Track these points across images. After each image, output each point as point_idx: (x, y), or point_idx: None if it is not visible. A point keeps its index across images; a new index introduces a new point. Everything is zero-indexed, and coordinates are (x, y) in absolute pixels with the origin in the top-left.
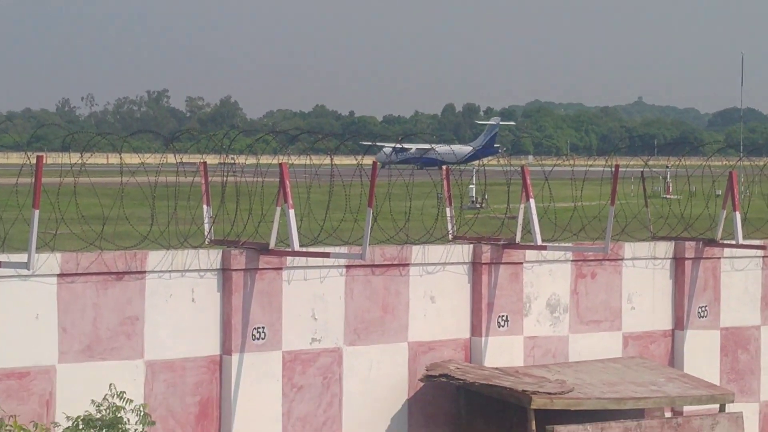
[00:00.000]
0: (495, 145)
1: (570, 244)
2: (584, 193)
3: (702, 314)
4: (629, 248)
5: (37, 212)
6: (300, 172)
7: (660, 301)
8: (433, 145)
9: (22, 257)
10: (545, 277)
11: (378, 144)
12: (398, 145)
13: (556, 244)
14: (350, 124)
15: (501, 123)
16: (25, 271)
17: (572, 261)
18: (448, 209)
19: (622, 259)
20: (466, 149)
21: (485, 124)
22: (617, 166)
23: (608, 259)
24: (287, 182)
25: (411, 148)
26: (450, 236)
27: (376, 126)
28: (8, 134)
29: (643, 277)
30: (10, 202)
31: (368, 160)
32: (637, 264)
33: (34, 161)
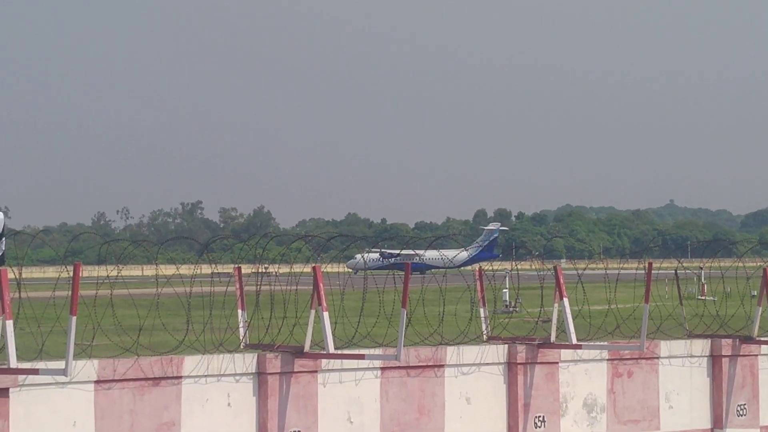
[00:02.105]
0: (495, 251)
1: (605, 343)
2: (618, 296)
3: (741, 412)
4: (665, 346)
5: (74, 318)
6: (333, 278)
7: (698, 400)
8: (416, 251)
9: (59, 364)
10: (581, 376)
11: (374, 250)
12: (385, 251)
13: (592, 343)
14: (382, 231)
15: (501, 228)
16: (62, 378)
17: (608, 360)
18: (482, 309)
19: (658, 358)
20: (462, 254)
21: (484, 230)
22: (650, 264)
23: (644, 358)
24: (321, 285)
25: (398, 253)
26: (485, 336)
27: (408, 233)
28: (45, 248)
29: (680, 375)
30: (47, 314)
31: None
32: (674, 362)
33: (70, 273)
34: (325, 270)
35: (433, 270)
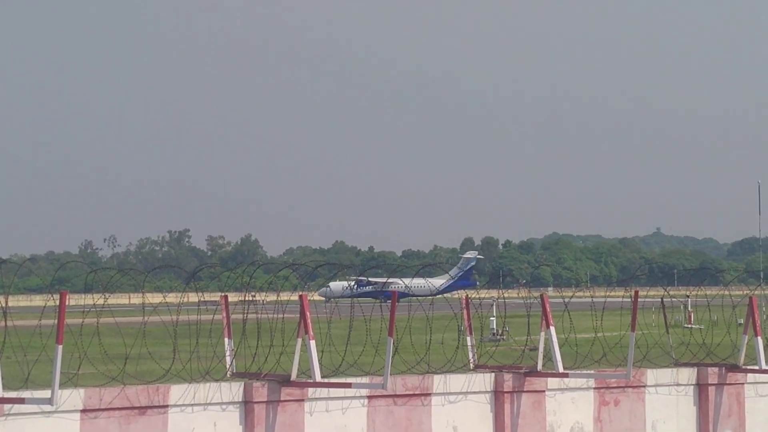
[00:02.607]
0: (473, 278)
1: (592, 371)
2: (605, 324)
3: None
4: (652, 375)
5: (60, 347)
6: (320, 306)
7: (685, 428)
8: (389, 279)
9: (45, 393)
10: (568, 405)
11: (351, 278)
12: (361, 279)
13: (578, 371)
14: (370, 260)
15: (477, 257)
16: (48, 407)
17: (595, 388)
18: (468, 338)
19: (644, 386)
20: (437, 282)
21: (461, 257)
22: (636, 292)
23: (631, 386)
24: (308, 314)
25: (375, 282)
26: (471, 365)
27: (395, 261)
28: (32, 276)
29: (667, 403)
30: (33, 342)
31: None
32: (660, 390)
33: (57, 301)
34: (311, 298)
35: (410, 298)
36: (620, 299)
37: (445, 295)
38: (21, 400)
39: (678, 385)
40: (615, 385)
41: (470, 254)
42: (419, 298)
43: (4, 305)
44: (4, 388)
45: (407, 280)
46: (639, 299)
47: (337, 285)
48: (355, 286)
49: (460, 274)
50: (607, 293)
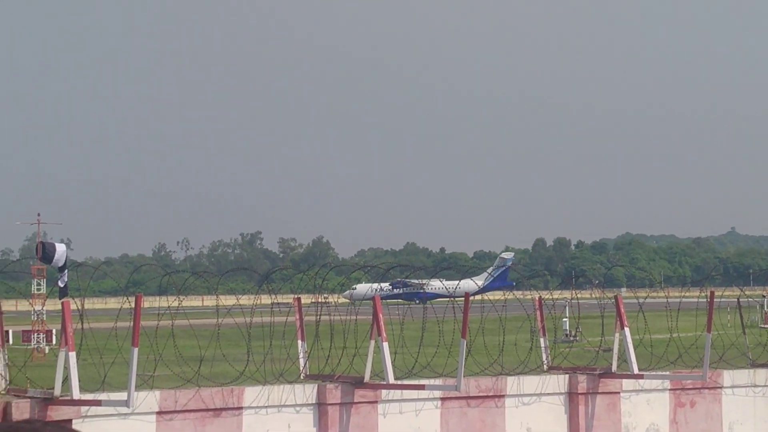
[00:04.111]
0: (510, 280)
1: (667, 373)
2: (680, 325)
3: None
4: (728, 376)
5: (136, 350)
6: (393, 308)
7: (762, 430)
8: (420, 280)
9: (121, 396)
10: (643, 406)
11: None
12: (401, 280)
13: (654, 373)
14: (441, 261)
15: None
16: (125, 409)
17: (670, 390)
18: (542, 339)
19: (721, 387)
20: (470, 284)
21: (504, 259)
22: (712, 292)
23: (707, 388)
24: (380, 315)
25: (411, 284)
26: (545, 366)
27: (467, 262)
28: (107, 279)
29: (744, 405)
30: (109, 345)
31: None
32: (737, 392)
33: (132, 304)
34: (401, 300)
35: (446, 299)
36: (695, 300)
37: (482, 295)
38: (98, 402)
39: (755, 386)
40: (691, 386)
41: (506, 255)
42: (452, 300)
43: (80, 308)
44: (81, 390)
45: (441, 282)
46: (714, 299)
47: (363, 287)
48: (390, 288)
49: (496, 274)
50: (682, 294)
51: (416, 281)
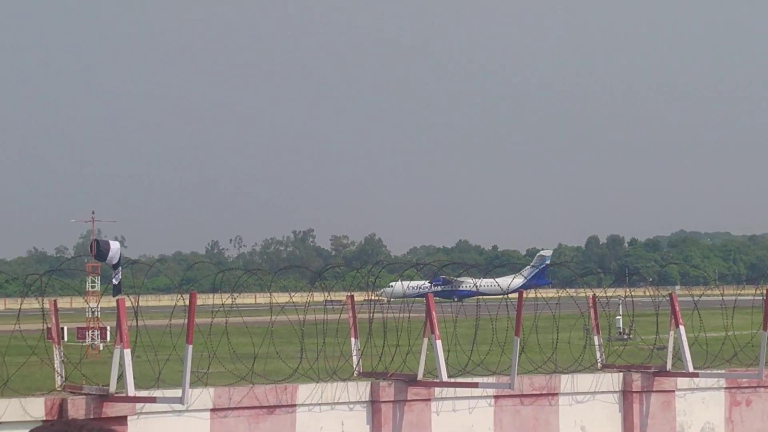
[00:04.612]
0: (547, 279)
1: (723, 371)
2: (735, 323)
3: None
4: None
5: (190, 347)
6: (446, 306)
7: None
8: (454, 278)
9: (176, 392)
10: (698, 405)
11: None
12: (441, 278)
13: (709, 371)
14: (494, 258)
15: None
16: (179, 406)
17: (726, 388)
18: (596, 337)
19: None
20: (507, 281)
21: (543, 257)
22: None
23: (763, 386)
24: (434, 313)
25: (451, 280)
26: (599, 365)
27: (519, 259)
28: (160, 277)
29: None
30: (164, 342)
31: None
32: None
33: (186, 301)
34: (437, 298)
35: (479, 298)
36: (751, 297)
37: (535, 293)
38: (152, 399)
39: None
40: (746, 385)
41: (545, 252)
42: (485, 298)
43: (135, 305)
44: (136, 387)
45: (477, 280)
46: None
47: (399, 285)
48: (429, 285)
49: (534, 272)
50: (738, 292)
51: (457, 279)
